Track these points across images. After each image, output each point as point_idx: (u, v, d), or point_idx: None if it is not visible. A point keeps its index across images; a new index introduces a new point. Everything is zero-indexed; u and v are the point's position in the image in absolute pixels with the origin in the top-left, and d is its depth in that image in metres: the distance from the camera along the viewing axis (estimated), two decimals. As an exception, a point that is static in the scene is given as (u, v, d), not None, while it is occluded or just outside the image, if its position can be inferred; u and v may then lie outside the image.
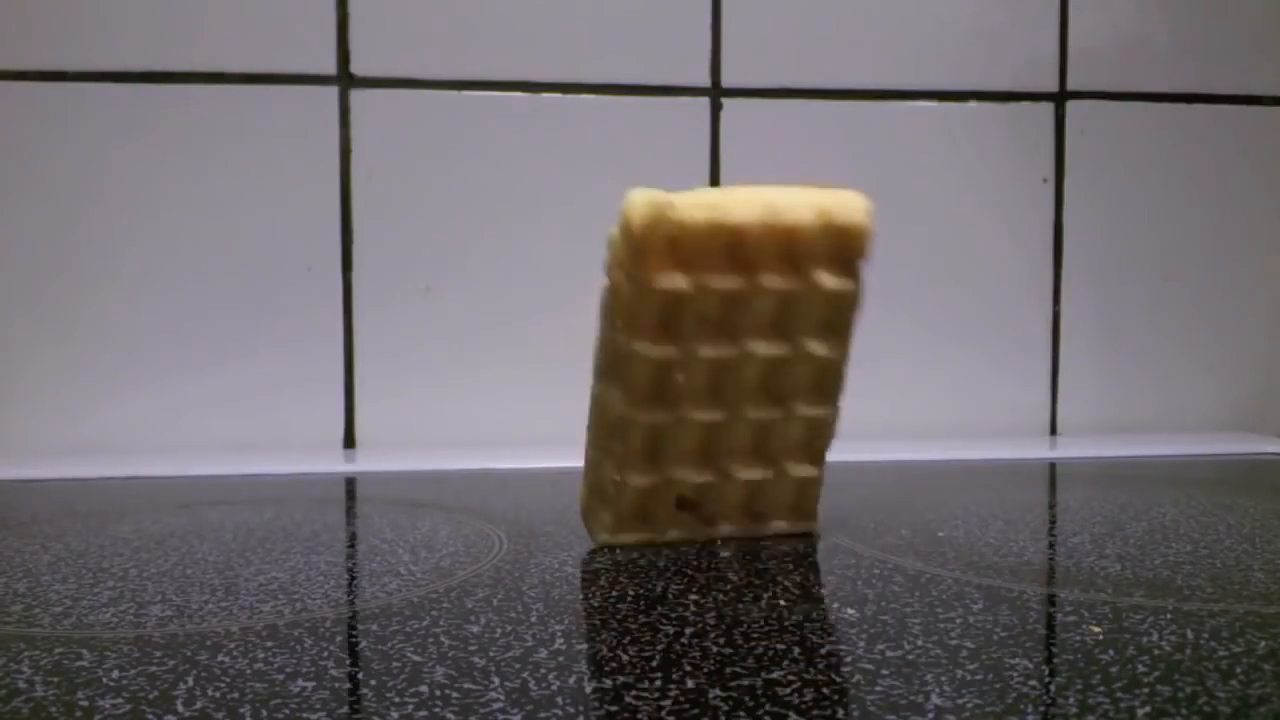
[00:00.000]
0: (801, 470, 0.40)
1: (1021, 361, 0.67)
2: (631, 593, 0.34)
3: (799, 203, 0.37)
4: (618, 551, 0.39)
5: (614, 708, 0.25)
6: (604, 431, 0.38)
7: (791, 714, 0.24)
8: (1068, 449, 0.63)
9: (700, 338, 0.37)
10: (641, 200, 0.35)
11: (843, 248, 0.37)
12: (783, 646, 0.29)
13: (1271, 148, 0.68)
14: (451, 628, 0.30)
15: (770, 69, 0.63)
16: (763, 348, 0.38)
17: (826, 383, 0.39)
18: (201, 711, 0.24)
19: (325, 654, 0.28)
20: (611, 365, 0.37)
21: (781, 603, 0.33)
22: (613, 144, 0.62)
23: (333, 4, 0.61)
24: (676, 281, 0.36)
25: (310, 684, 0.26)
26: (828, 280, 0.37)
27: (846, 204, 0.37)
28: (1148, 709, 0.24)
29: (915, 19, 0.64)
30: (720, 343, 0.37)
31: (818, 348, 0.38)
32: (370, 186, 0.61)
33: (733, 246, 0.36)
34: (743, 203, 0.36)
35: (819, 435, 0.40)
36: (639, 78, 0.63)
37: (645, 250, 0.35)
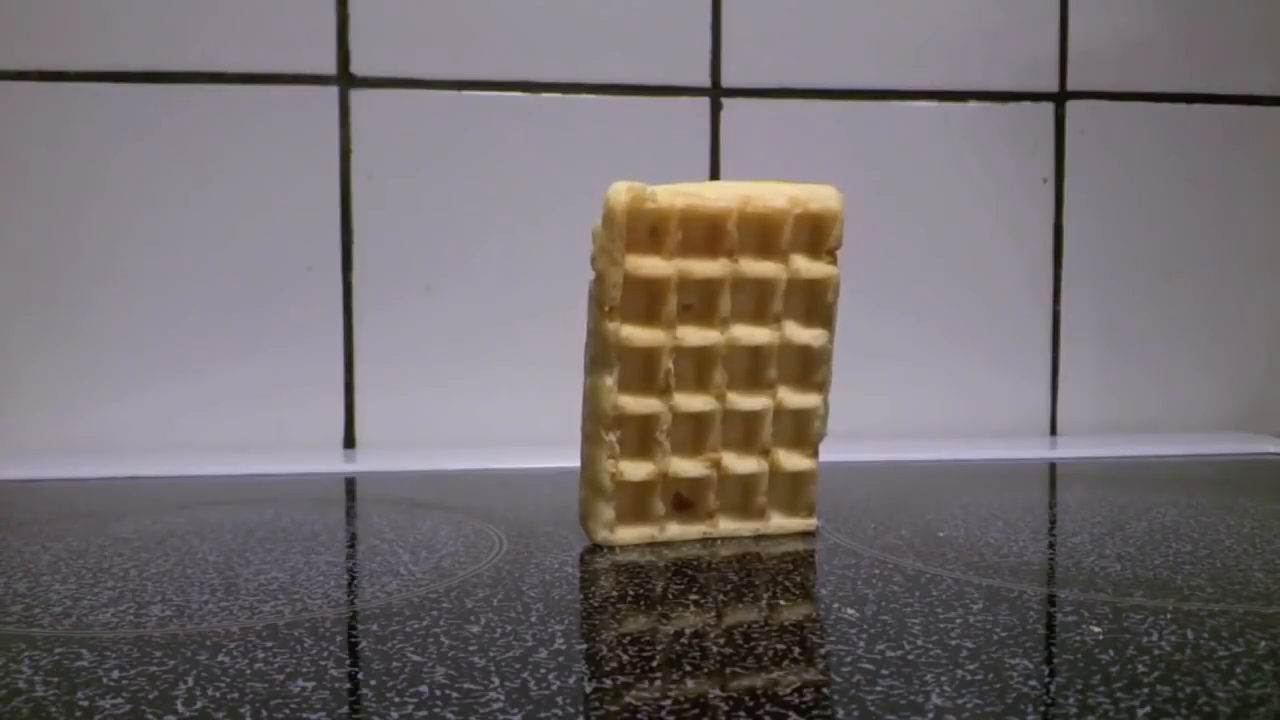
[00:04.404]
0: (795, 463, 0.40)
1: (1021, 361, 0.67)
2: (631, 593, 0.34)
3: (774, 192, 0.39)
4: (618, 551, 0.39)
5: (614, 708, 0.25)
6: (597, 423, 0.38)
7: (791, 714, 0.24)
8: (1068, 449, 0.63)
9: (685, 324, 0.38)
10: (622, 189, 0.37)
11: (817, 233, 0.39)
12: (783, 646, 0.29)
13: (1271, 148, 0.68)
14: (451, 628, 0.30)
15: (770, 69, 0.63)
16: (746, 334, 0.39)
17: (812, 371, 0.40)
18: (201, 711, 0.24)
19: (325, 654, 0.28)
20: (601, 355, 0.38)
21: (781, 603, 0.33)
22: (613, 144, 0.62)
23: (333, 4, 0.61)
24: (659, 267, 0.37)
25: (310, 684, 0.26)
26: (805, 265, 0.39)
27: (819, 193, 0.39)
28: (1148, 709, 0.24)
29: (915, 19, 0.64)
30: (705, 329, 0.39)
31: (800, 334, 0.40)
32: (370, 186, 0.61)
33: (711, 232, 0.38)
34: (720, 192, 0.38)
35: (809, 425, 0.40)
36: (639, 78, 0.63)
37: (627, 236, 0.37)
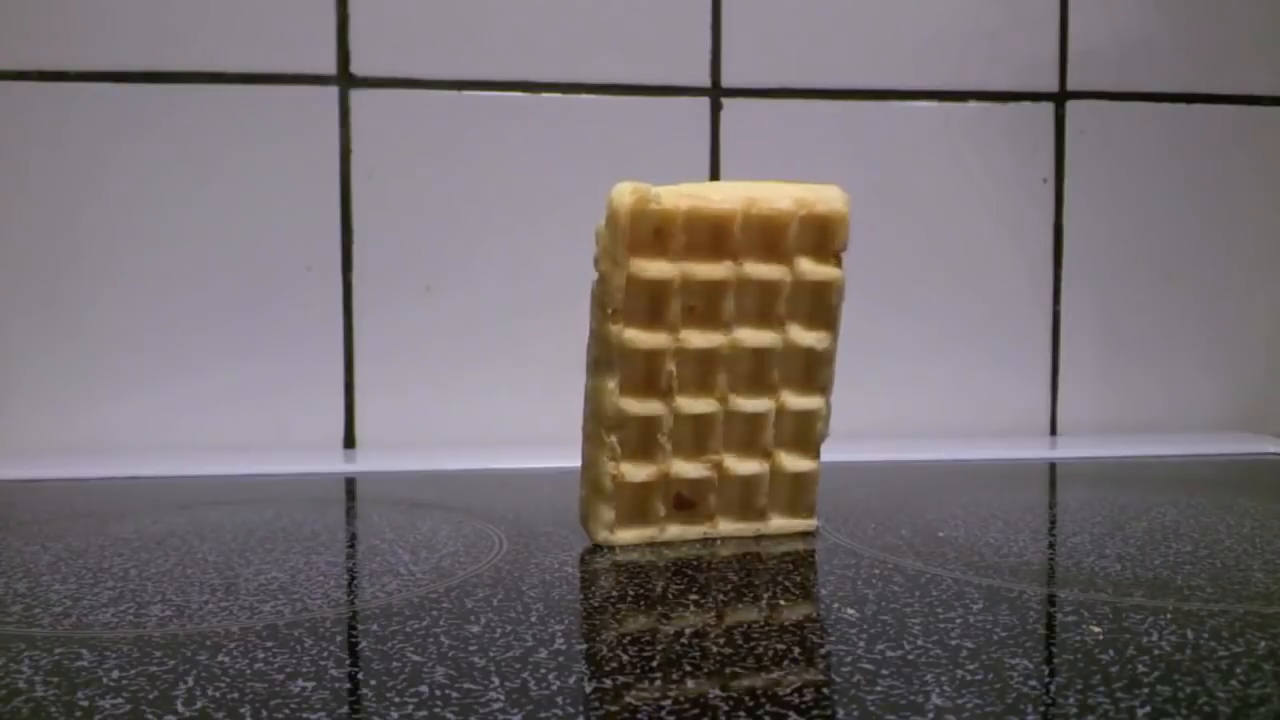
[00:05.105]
0: (796, 464, 0.40)
1: (1021, 361, 0.67)
2: (631, 593, 0.34)
3: (779, 194, 0.38)
4: (618, 551, 0.39)
5: (614, 708, 0.25)
6: (598, 424, 0.38)
7: (791, 714, 0.24)
8: (1068, 449, 0.63)
9: (688, 326, 0.38)
10: (626, 190, 0.37)
11: (823, 236, 0.39)
12: (783, 646, 0.29)
13: (1271, 148, 0.68)
14: (451, 628, 0.30)
15: (770, 69, 0.63)
16: (750, 336, 0.39)
17: (816, 373, 0.40)
18: (201, 711, 0.24)
19: (325, 654, 0.28)
20: (603, 357, 0.38)
21: (781, 603, 0.33)
22: (613, 144, 0.62)
23: (333, 4, 0.61)
24: (663, 269, 0.37)
25: (310, 684, 0.26)
26: (809, 268, 0.39)
27: (825, 195, 0.39)
28: (1148, 709, 0.24)
29: (915, 19, 0.64)
30: (708, 331, 0.38)
31: (804, 336, 0.39)
32: (370, 186, 0.61)
33: (716, 234, 0.38)
34: (725, 193, 0.38)
35: (811, 427, 0.40)
36: (639, 78, 0.63)
37: (631, 238, 0.37)
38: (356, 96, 0.61)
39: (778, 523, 0.41)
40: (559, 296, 0.62)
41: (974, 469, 0.56)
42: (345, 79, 0.61)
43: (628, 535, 0.39)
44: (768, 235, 0.38)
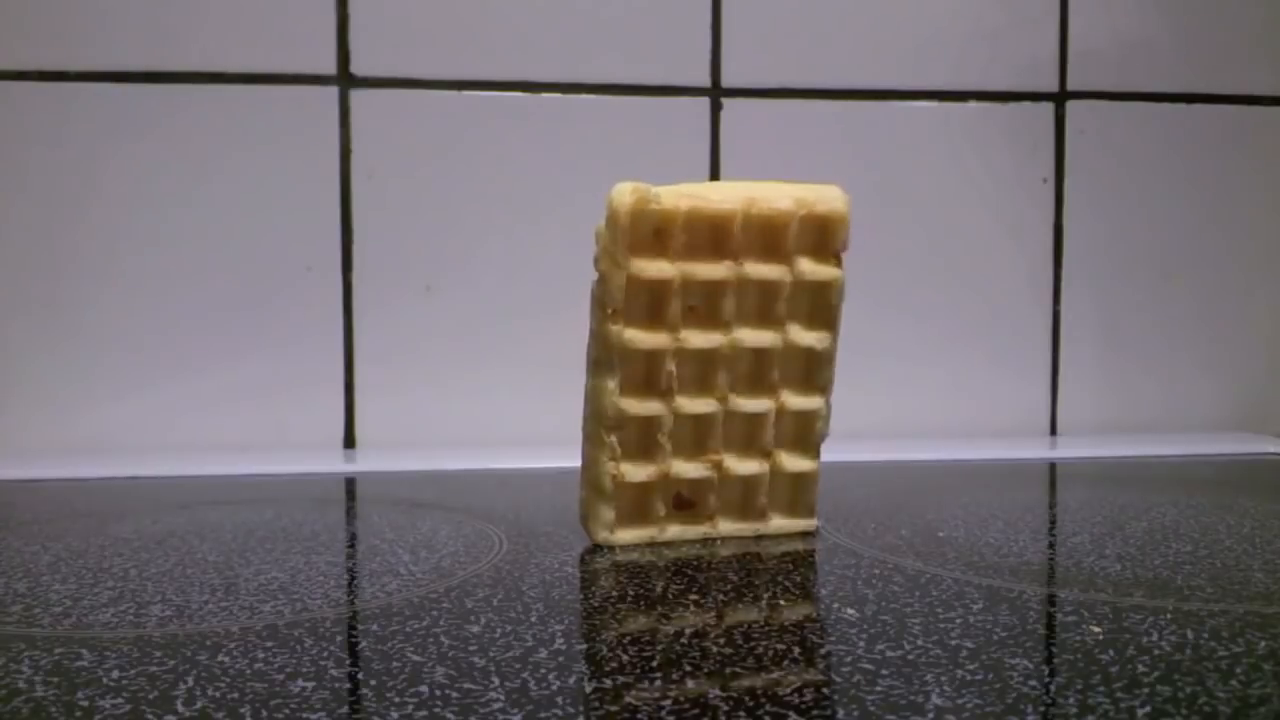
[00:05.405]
0: (796, 464, 0.40)
1: (1021, 361, 0.67)
2: (631, 593, 0.34)
3: (779, 194, 0.38)
4: (618, 551, 0.39)
5: (614, 708, 0.25)
6: (598, 424, 0.38)
7: (791, 714, 0.24)
8: (1068, 449, 0.63)
9: (688, 326, 0.38)
10: (626, 190, 0.36)
11: (823, 236, 0.39)
12: (783, 646, 0.29)
13: (1271, 148, 0.68)
14: (451, 628, 0.30)
15: (770, 69, 0.63)
16: (750, 336, 0.39)
17: (816, 373, 0.40)
18: (201, 711, 0.24)
19: (325, 654, 0.28)
20: (603, 357, 0.38)
21: (781, 603, 0.33)
22: (613, 144, 0.62)
23: (333, 4, 0.61)
24: (662, 269, 0.37)
25: (310, 684, 0.26)
26: (810, 268, 0.39)
27: (825, 195, 0.39)
28: (1148, 709, 0.24)
29: (915, 19, 0.64)
30: (708, 331, 0.38)
31: (804, 336, 0.39)
32: (370, 186, 0.61)
33: (716, 234, 0.38)
34: (725, 194, 0.38)
35: (811, 427, 0.40)
36: (639, 78, 0.63)
37: (631, 238, 0.37)
38: (356, 96, 0.61)
39: (778, 523, 0.41)
40: (559, 296, 0.62)
41: (974, 469, 0.56)
42: (345, 79, 0.61)
43: (628, 535, 0.39)
44: (768, 235, 0.38)
